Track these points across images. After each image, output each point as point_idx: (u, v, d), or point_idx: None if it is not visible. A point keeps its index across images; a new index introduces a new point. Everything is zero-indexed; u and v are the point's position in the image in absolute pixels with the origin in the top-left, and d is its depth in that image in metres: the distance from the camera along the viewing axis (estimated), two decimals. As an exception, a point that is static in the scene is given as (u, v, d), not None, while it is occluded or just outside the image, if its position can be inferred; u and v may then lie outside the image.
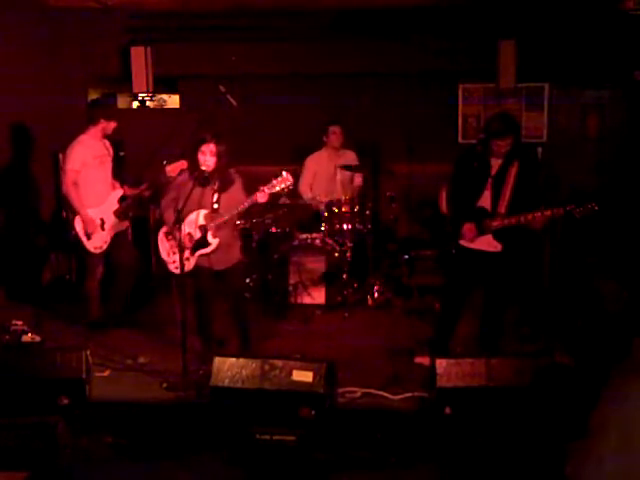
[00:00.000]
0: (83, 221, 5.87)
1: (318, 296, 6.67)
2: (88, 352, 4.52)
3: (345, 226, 6.74)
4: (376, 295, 6.79)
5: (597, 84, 7.87)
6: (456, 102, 8.31)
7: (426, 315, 6.25)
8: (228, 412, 4.32)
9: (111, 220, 5.98)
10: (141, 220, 7.37)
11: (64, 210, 6.13)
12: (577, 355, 5.00)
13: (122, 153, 7.34)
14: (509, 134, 4.93)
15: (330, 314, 6.58)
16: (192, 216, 5.21)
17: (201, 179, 5.15)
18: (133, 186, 6.12)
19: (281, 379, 4.29)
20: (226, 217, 5.17)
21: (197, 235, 5.24)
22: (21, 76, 6.88)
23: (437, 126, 8.06)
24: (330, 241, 6.75)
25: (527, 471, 3.93)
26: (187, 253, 5.22)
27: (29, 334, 5.67)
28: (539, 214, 4.81)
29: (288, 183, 5.15)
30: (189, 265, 5.25)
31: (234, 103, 6.86)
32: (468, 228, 5.02)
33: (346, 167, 6.99)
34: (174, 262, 5.25)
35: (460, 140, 8.33)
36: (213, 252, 5.26)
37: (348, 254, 6.74)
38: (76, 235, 5.91)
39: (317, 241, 6.70)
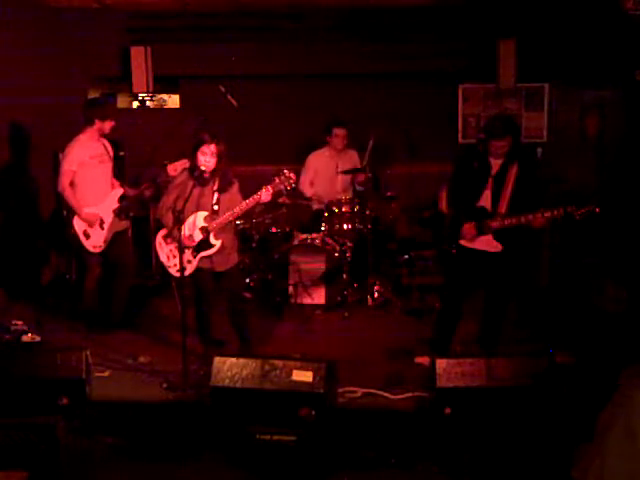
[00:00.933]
0: (83, 219, 5.87)
1: (318, 296, 6.67)
2: (88, 352, 4.50)
3: (345, 226, 6.74)
4: (376, 295, 6.79)
5: (597, 84, 7.86)
6: (456, 102, 8.32)
7: (426, 315, 6.26)
8: (228, 412, 4.32)
9: (110, 219, 5.97)
10: (141, 220, 7.38)
11: (64, 209, 6.12)
12: (577, 355, 5.00)
13: (122, 153, 7.34)
14: (507, 135, 4.94)
15: (330, 314, 6.58)
16: (191, 218, 5.21)
17: (201, 179, 5.15)
18: (133, 186, 6.12)
19: (281, 379, 4.28)
20: (229, 217, 5.17)
21: (198, 237, 5.23)
22: (21, 76, 6.87)
23: (437, 126, 8.06)
24: (330, 241, 6.75)
25: (527, 471, 3.93)
26: (189, 255, 5.22)
27: (29, 334, 5.67)
28: (539, 215, 4.81)
29: (291, 181, 5.16)
30: (191, 267, 5.25)
31: (234, 103, 6.87)
32: (468, 228, 5.02)
33: (348, 172, 7.00)
34: (175, 265, 5.25)
35: (460, 140, 8.34)
36: (215, 254, 5.26)
37: (348, 254, 6.74)
38: (75, 234, 5.90)
39: (317, 241, 6.70)
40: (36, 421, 4.00)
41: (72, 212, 5.92)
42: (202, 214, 5.23)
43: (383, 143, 7.87)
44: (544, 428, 4.06)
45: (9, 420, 4.02)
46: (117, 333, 5.96)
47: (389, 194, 7.17)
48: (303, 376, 4.25)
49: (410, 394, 4.72)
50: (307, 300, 6.66)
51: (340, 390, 4.65)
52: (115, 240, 6.02)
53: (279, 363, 4.33)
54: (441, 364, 4.27)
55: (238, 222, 5.76)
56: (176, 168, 5.57)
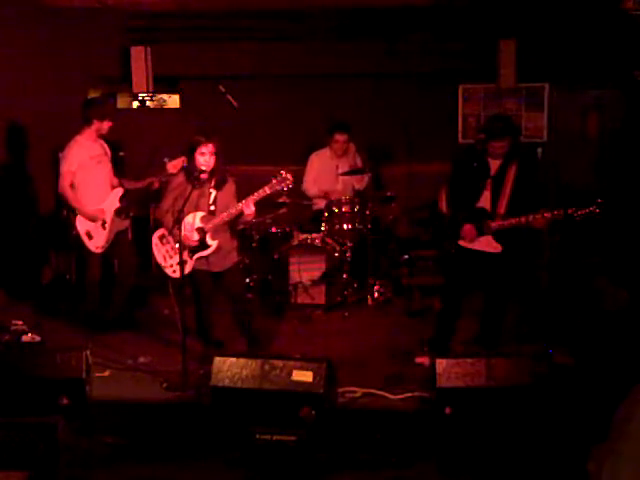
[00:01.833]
0: (87, 216, 5.86)
1: (318, 296, 6.67)
2: (88, 352, 4.51)
3: (345, 226, 6.74)
4: (376, 295, 6.79)
5: (597, 84, 7.86)
6: (456, 102, 8.32)
7: (426, 315, 6.26)
8: (228, 412, 4.32)
9: (111, 219, 5.97)
10: (141, 220, 7.38)
11: (64, 209, 6.12)
12: (577, 355, 5.00)
13: (122, 153, 7.34)
14: (506, 136, 4.94)
15: (330, 314, 6.58)
16: (188, 218, 5.21)
17: (200, 180, 5.16)
18: (138, 179, 6.07)
19: (281, 379, 4.29)
20: (225, 218, 5.17)
21: (195, 237, 5.23)
22: (21, 76, 6.87)
23: (437, 126, 8.05)
24: (330, 241, 6.75)
25: (527, 471, 3.93)
26: (186, 256, 5.22)
27: (29, 334, 5.67)
28: (539, 216, 4.80)
29: (288, 182, 5.15)
30: (187, 268, 5.24)
31: (234, 103, 6.86)
32: (468, 229, 5.02)
33: (348, 173, 7.00)
34: (171, 266, 5.27)
35: (460, 140, 8.33)
36: (211, 254, 5.26)
37: (348, 254, 6.74)
38: (77, 235, 5.90)
39: (317, 241, 6.70)
40: (36, 421, 4.00)
41: (73, 213, 5.91)
42: (199, 214, 5.23)
43: (383, 143, 7.91)
44: (544, 428, 4.07)
45: (9, 420, 4.02)
46: (117, 333, 5.95)
47: (389, 194, 7.17)
48: (303, 376, 4.25)
49: (410, 394, 4.71)
50: (307, 300, 6.66)
51: (340, 390, 4.65)
52: (116, 240, 6.03)
53: (279, 363, 4.34)
54: (441, 364, 4.27)
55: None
56: (176, 165, 5.57)
